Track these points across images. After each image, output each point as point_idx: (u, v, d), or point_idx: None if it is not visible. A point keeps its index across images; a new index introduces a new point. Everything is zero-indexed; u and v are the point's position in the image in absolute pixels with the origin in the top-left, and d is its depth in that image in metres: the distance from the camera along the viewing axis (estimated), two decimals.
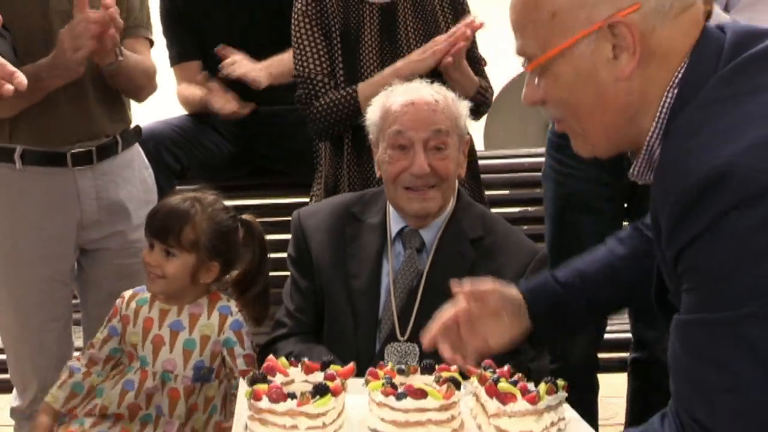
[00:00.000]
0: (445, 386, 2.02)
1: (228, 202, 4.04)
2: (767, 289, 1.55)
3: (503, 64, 4.89)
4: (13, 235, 3.23)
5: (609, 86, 1.76)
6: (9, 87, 2.51)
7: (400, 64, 3.14)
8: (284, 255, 3.12)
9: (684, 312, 1.67)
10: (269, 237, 3.99)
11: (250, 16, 3.80)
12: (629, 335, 3.59)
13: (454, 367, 2.15)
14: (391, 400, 1.96)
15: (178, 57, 4.07)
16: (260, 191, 4.14)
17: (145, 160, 3.50)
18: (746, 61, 1.70)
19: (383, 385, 2.01)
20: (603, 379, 3.65)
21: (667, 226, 1.67)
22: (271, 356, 2.20)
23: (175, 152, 3.81)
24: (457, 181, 2.79)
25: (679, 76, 1.73)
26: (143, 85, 3.39)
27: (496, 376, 2.12)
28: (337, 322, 2.69)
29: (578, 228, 3.31)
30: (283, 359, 2.18)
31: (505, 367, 2.19)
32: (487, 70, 3.43)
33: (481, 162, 3.67)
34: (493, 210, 3.70)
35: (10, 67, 2.55)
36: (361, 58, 3.26)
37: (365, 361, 2.54)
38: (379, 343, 2.64)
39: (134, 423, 2.84)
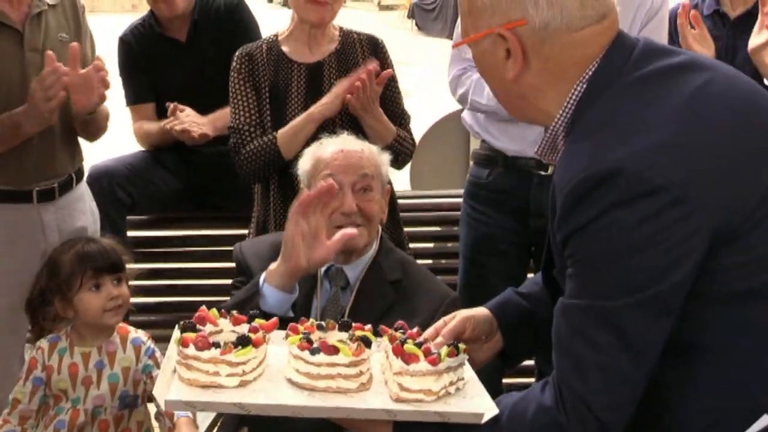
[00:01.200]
0: (356, 344, 2.01)
1: (173, 233, 4.04)
2: (639, 283, 1.61)
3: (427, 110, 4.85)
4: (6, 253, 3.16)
5: (504, 80, 1.86)
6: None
7: (311, 109, 3.13)
8: (223, 281, 3.23)
9: (568, 297, 1.72)
10: (210, 264, 3.98)
11: (201, 71, 3.77)
12: (532, 362, 3.54)
13: (368, 327, 2.16)
14: (306, 354, 1.96)
15: (134, 99, 4.04)
16: (203, 223, 4.10)
17: (89, 192, 3.45)
18: (651, 73, 1.74)
19: (300, 339, 2.01)
20: None
21: (560, 211, 1.70)
22: (203, 307, 2.16)
23: (126, 188, 3.76)
24: (380, 227, 2.77)
25: (590, 73, 1.78)
26: (103, 128, 3.38)
27: (404, 337, 2.12)
28: None
29: (487, 268, 3.31)
30: (214, 310, 2.15)
31: (415, 329, 2.18)
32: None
33: (407, 201, 3.82)
34: (416, 245, 3.79)
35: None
36: (288, 112, 3.23)
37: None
38: None
39: None
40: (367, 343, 2.04)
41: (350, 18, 5.67)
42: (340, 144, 2.73)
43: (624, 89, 1.73)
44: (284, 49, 3.30)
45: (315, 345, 1.99)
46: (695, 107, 1.68)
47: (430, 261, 4.13)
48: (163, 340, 3.77)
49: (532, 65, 1.80)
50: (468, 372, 2.12)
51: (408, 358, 1.98)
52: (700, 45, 3.23)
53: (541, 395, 1.75)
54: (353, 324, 2.16)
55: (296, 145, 3.06)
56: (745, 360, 1.69)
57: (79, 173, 3.34)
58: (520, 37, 1.76)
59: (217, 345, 1.94)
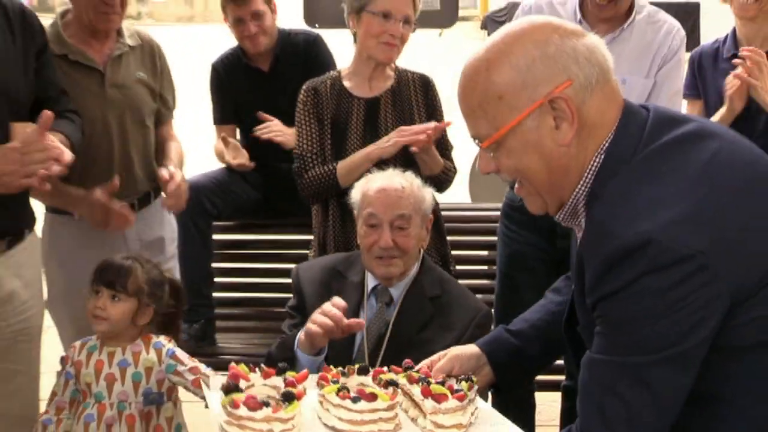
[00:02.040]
0: (390, 389, 2.02)
1: (251, 237, 4.14)
2: (667, 342, 1.57)
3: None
4: (74, 272, 3.17)
5: (553, 152, 1.72)
6: (56, 168, 2.53)
7: (370, 148, 3.13)
8: (287, 280, 3.15)
9: (595, 351, 1.67)
10: (277, 265, 4.08)
11: (280, 98, 3.78)
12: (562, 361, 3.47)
13: (385, 369, 2.17)
14: (348, 402, 1.95)
15: (219, 119, 4.10)
16: (275, 229, 4.13)
17: None
18: (664, 146, 1.69)
19: (338, 390, 2.00)
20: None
21: (591, 277, 1.66)
22: (233, 364, 2.12)
23: (212, 199, 3.82)
24: (422, 250, 2.79)
25: (606, 145, 1.72)
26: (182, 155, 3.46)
27: (423, 377, 2.13)
28: None
29: (519, 281, 3.30)
30: (243, 366, 2.12)
31: (425, 367, 2.21)
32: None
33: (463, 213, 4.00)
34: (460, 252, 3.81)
35: (61, 148, 2.57)
36: (348, 142, 3.22)
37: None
38: None
39: None
40: (396, 385, 2.05)
41: (426, 34, 5.56)
42: (384, 182, 2.72)
43: (642, 163, 1.68)
44: (346, 84, 3.27)
45: (353, 394, 2.00)
46: (709, 177, 1.65)
47: (485, 267, 4.13)
48: (238, 330, 3.97)
49: (578, 130, 1.70)
50: (479, 401, 2.14)
51: (438, 398, 2.00)
52: (740, 98, 3.19)
53: None
54: (370, 368, 2.16)
55: (353, 179, 3.02)
56: (765, 406, 1.68)
57: (157, 190, 3.34)
58: (568, 99, 1.66)
59: (266, 404, 1.93)
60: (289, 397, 1.96)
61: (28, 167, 2.49)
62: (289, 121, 3.68)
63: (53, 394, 2.80)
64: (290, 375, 2.10)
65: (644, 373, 1.61)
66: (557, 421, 3.92)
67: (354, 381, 2.11)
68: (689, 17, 11.55)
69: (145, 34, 3.38)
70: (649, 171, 1.67)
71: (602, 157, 1.72)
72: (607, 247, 1.61)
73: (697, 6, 11.93)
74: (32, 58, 2.79)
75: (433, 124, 3.10)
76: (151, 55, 3.35)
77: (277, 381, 2.08)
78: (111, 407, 2.71)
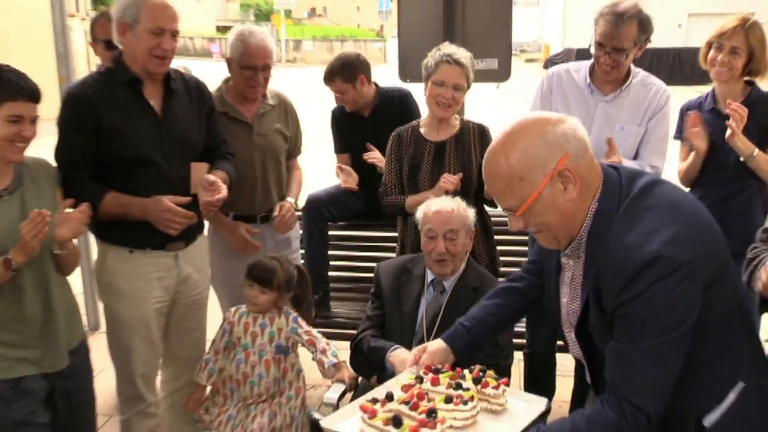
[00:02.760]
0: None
1: (355, 233, 4.12)
2: (674, 325, 1.67)
3: None
4: (228, 263, 3.27)
5: (564, 207, 1.77)
6: (211, 199, 2.66)
7: (427, 193, 3.04)
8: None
9: (619, 340, 1.73)
10: (373, 254, 4.08)
11: (377, 136, 3.71)
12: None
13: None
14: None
15: (337, 150, 4.08)
16: (373, 228, 4.10)
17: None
18: (639, 193, 1.77)
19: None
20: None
21: (613, 289, 1.71)
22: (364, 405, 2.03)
23: (328, 208, 3.84)
24: (467, 254, 2.77)
25: (598, 195, 1.78)
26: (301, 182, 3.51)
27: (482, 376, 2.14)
28: (392, 329, 2.73)
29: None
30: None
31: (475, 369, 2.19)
32: None
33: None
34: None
35: (219, 184, 2.69)
36: (420, 174, 3.15)
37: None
38: (415, 342, 2.64)
39: (245, 386, 2.80)
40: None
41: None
42: (439, 205, 2.71)
43: (630, 204, 1.75)
44: (422, 130, 3.20)
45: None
46: (676, 209, 1.75)
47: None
48: (345, 300, 3.94)
49: (579, 185, 1.76)
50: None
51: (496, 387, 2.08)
52: (700, 139, 3.13)
53: (603, 408, 1.73)
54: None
55: (414, 208, 2.91)
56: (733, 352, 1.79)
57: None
58: (570, 168, 1.73)
59: None
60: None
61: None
62: (382, 149, 3.62)
63: (213, 341, 2.87)
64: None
65: (659, 349, 1.69)
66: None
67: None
68: None
69: (282, 95, 3.41)
70: (636, 212, 1.74)
71: (596, 204, 1.78)
72: (626, 267, 1.67)
73: None
74: (204, 117, 2.87)
75: (460, 175, 3.05)
76: (285, 111, 3.39)
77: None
78: (253, 354, 2.80)
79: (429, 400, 2.01)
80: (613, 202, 1.77)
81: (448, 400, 1.99)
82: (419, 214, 2.77)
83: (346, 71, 3.75)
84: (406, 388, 2.09)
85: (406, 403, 1.99)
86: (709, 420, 1.77)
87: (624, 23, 2.88)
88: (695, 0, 26.97)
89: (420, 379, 2.13)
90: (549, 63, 23.95)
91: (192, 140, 2.81)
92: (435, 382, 2.10)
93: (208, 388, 2.87)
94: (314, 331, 2.86)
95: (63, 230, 2.32)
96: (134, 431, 2.91)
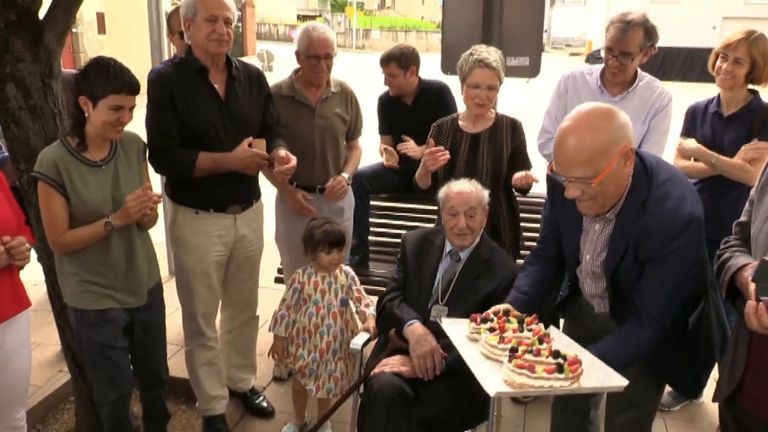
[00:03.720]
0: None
1: (394, 204, 4.12)
2: (694, 266, 1.99)
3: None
4: (290, 222, 3.36)
5: (621, 179, 1.96)
6: (282, 168, 2.76)
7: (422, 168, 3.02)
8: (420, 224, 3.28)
9: (655, 278, 1.98)
10: (408, 223, 4.05)
11: (416, 122, 3.73)
12: None
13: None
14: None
15: (381, 131, 4.13)
16: (409, 201, 4.08)
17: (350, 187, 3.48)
18: (656, 169, 2.01)
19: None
20: None
21: (658, 243, 1.94)
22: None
23: (370, 182, 3.90)
24: (482, 229, 2.75)
25: (633, 172, 1.99)
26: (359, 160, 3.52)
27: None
28: (412, 291, 2.74)
29: None
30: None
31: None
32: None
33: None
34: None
35: (290, 156, 2.80)
36: (458, 161, 3.03)
37: (422, 312, 2.66)
38: (430, 304, 2.68)
39: (316, 336, 2.92)
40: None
41: (548, 61, 5.14)
42: (459, 187, 2.70)
43: (655, 178, 1.98)
44: (460, 123, 3.09)
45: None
46: (680, 175, 2.04)
47: None
48: (381, 261, 3.97)
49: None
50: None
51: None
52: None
53: (637, 329, 2.01)
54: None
55: (425, 184, 3.05)
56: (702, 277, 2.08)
57: (351, 178, 3.41)
58: (631, 149, 1.93)
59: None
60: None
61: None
62: (421, 136, 3.59)
63: (283, 300, 2.96)
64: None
65: (682, 283, 1.99)
66: None
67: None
68: None
69: (345, 84, 3.41)
70: (662, 184, 1.98)
71: (631, 179, 1.99)
72: (673, 226, 1.92)
73: None
74: (261, 101, 2.94)
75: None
76: (346, 97, 3.38)
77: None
78: (323, 308, 2.94)
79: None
80: (642, 177, 1.98)
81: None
82: (441, 194, 2.76)
83: (402, 59, 3.82)
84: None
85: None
86: (690, 323, 2.11)
87: (631, 29, 2.90)
88: (729, 4, 25.72)
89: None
90: (591, 58, 23.31)
91: (249, 119, 2.88)
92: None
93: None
94: (362, 288, 2.98)
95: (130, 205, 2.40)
96: (196, 360, 3.05)
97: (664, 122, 3.06)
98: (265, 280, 3.15)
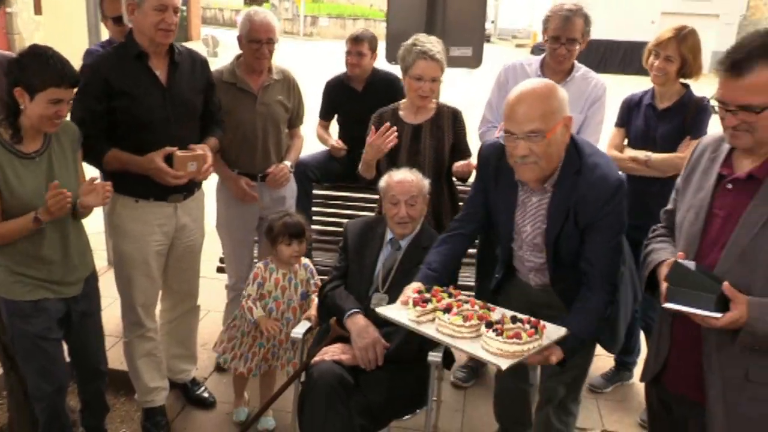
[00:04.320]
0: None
1: (337, 193, 4.10)
2: (624, 225, 2.18)
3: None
4: (231, 209, 3.33)
5: (561, 148, 2.13)
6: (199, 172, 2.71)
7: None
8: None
9: (597, 242, 2.15)
10: (351, 212, 4.04)
11: (364, 109, 3.60)
12: None
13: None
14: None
15: (321, 116, 4.17)
16: (352, 190, 4.08)
17: (292, 176, 3.44)
18: (582, 143, 2.21)
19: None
20: None
21: (594, 208, 2.11)
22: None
23: (313, 170, 3.89)
24: (423, 217, 2.76)
25: (568, 142, 2.16)
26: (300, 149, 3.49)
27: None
28: (353, 279, 2.74)
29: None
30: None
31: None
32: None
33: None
34: None
35: (210, 160, 2.73)
36: (399, 154, 2.99)
37: (363, 300, 2.66)
38: (371, 291, 2.70)
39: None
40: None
41: (494, 52, 5.22)
42: (401, 176, 2.70)
43: (583, 151, 2.17)
44: (401, 113, 3.06)
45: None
46: (597, 148, 2.27)
47: None
48: (324, 249, 3.93)
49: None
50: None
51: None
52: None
53: (592, 294, 2.17)
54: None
55: (371, 174, 3.05)
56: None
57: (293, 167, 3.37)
58: (566, 119, 2.11)
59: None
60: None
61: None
62: (366, 123, 3.61)
63: (249, 295, 2.92)
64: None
65: (619, 242, 2.19)
66: None
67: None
68: None
69: (287, 71, 3.36)
70: (590, 155, 2.17)
71: (564, 153, 2.16)
72: (606, 191, 2.10)
73: None
74: (204, 88, 2.89)
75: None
76: (288, 85, 3.34)
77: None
78: (283, 303, 2.95)
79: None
80: (573, 150, 2.16)
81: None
82: (382, 183, 2.76)
83: (373, 41, 3.92)
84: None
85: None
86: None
87: (574, 16, 3.04)
88: (668, 0, 26.55)
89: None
90: (536, 49, 23.62)
91: (194, 105, 2.84)
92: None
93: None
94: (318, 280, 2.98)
95: (89, 198, 2.39)
96: (135, 351, 3.00)
97: (599, 112, 3.16)
98: (206, 269, 3.11)
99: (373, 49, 3.89)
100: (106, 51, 2.74)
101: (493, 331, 1.98)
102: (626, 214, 2.18)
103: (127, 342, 3.01)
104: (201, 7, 29.02)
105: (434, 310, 2.14)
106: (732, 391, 1.76)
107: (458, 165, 2.94)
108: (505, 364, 1.92)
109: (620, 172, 2.14)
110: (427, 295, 2.20)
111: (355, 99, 3.94)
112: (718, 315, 1.64)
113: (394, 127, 2.91)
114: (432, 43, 2.94)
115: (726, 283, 1.65)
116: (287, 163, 3.33)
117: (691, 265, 1.71)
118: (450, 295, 2.24)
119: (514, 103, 2.08)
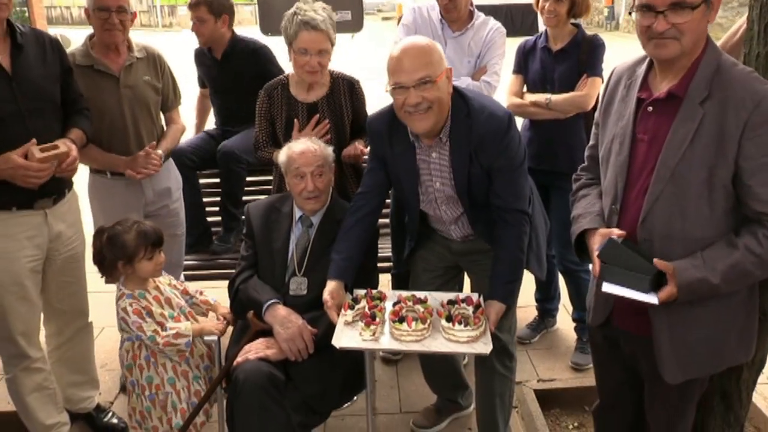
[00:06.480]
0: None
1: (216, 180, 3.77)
2: (524, 153, 2.27)
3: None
4: (109, 211, 2.94)
5: (445, 95, 2.17)
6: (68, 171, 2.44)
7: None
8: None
9: (501, 177, 2.23)
10: (248, 198, 3.66)
11: (226, 75, 3.66)
12: None
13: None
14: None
15: (200, 84, 4.04)
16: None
17: (173, 164, 3.23)
18: (465, 91, 2.27)
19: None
20: None
21: (494, 145, 2.17)
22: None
23: (190, 157, 3.57)
24: (331, 188, 2.58)
25: (452, 93, 2.21)
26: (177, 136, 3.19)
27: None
28: (265, 266, 2.53)
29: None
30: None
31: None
32: None
33: None
34: None
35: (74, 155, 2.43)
36: (294, 134, 2.76)
37: (280, 287, 2.47)
38: (287, 277, 2.50)
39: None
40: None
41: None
42: (302, 146, 2.51)
43: (467, 96, 2.24)
44: (292, 91, 2.84)
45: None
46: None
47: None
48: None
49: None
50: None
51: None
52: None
53: (511, 228, 2.29)
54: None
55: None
56: None
57: (167, 155, 3.09)
58: (450, 72, 2.18)
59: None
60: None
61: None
62: (231, 93, 3.66)
63: (155, 334, 2.33)
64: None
65: (522, 171, 2.28)
66: None
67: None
68: (532, 14, 11.47)
69: (150, 47, 3.05)
70: (473, 98, 2.24)
71: (452, 102, 2.22)
72: (500, 126, 2.17)
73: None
74: (58, 74, 2.55)
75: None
76: (154, 62, 3.03)
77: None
78: (181, 316, 2.48)
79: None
80: (457, 97, 2.22)
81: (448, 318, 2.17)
82: (282, 157, 2.55)
83: (214, 4, 3.55)
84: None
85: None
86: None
87: None
88: None
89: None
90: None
91: (49, 92, 2.49)
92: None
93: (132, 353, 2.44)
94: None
95: None
96: (21, 387, 2.60)
97: (496, 50, 3.18)
98: (93, 282, 2.74)
99: (217, 13, 3.55)
100: None
101: (459, 323, 2.11)
102: (522, 146, 2.27)
103: (10, 378, 2.61)
104: (44, 6, 26.72)
105: (383, 321, 2.20)
106: (675, 317, 1.79)
107: (347, 152, 2.86)
108: (487, 347, 2.06)
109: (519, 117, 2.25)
110: (375, 310, 2.24)
111: (215, 66, 3.72)
112: (655, 299, 1.70)
113: (326, 120, 2.81)
114: (316, 11, 2.70)
115: (656, 260, 1.69)
116: (159, 152, 2.97)
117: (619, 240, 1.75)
118: (376, 298, 2.33)
119: (400, 56, 2.13)
